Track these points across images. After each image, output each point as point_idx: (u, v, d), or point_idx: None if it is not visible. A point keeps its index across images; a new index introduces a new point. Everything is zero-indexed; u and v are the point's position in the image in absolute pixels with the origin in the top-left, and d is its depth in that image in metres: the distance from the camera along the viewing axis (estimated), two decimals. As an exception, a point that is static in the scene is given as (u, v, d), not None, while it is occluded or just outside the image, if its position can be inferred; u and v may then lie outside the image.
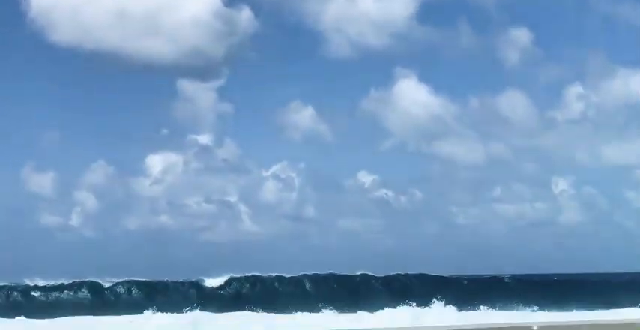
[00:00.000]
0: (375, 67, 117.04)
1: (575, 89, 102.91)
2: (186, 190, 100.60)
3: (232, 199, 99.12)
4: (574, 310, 42.94)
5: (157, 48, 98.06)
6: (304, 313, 42.98)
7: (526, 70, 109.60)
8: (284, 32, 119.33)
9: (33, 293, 49.14)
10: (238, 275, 52.11)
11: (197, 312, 41.62)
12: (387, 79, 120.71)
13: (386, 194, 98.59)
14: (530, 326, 8.54)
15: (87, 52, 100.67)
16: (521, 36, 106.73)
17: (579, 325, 8.78)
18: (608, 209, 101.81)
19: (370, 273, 53.22)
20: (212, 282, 51.59)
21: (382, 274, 53.61)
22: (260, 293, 50.48)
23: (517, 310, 44.44)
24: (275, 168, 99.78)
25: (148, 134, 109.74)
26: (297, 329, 38.30)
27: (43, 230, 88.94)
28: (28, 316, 42.17)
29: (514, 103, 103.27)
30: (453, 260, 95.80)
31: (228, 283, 51.44)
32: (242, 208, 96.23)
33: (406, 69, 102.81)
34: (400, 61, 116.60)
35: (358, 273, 53.23)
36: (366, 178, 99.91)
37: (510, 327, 8.48)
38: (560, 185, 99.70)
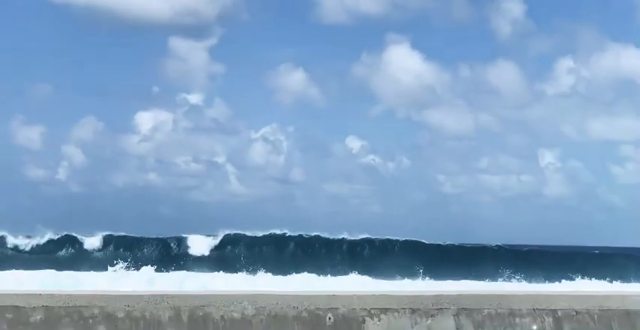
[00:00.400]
0: (368, 33, 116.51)
1: (565, 63, 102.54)
2: (175, 148, 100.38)
3: (220, 159, 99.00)
4: (557, 281, 42.91)
5: (150, 4, 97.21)
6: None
7: (517, 41, 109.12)
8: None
9: (10, 246, 49.08)
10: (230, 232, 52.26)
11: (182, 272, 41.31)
12: (378, 45, 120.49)
13: (373, 160, 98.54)
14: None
15: (80, 6, 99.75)
16: (514, 7, 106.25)
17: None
18: (593, 183, 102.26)
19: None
20: (199, 240, 51.44)
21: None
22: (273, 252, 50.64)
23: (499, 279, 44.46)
24: (264, 130, 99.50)
25: (138, 91, 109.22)
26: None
27: (28, 183, 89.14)
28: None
29: (504, 74, 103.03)
30: (438, 228, 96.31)
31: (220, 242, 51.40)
32: (230, 168, 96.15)
33: (398, 35, 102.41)
34: (393, 27, 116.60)
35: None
36: (354, 144, 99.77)
37: (513, 295, 8.10)
38: (547, 158, 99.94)
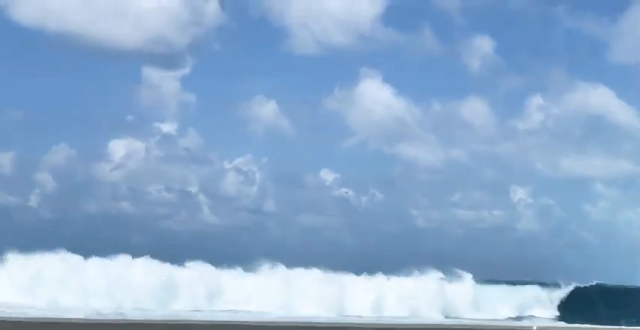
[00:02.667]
0: (340, 65, 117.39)
1: (535, 100, 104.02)
2: (147, 177, 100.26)
3: (193, 189, 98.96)
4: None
5: (122, 33, 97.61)
6: None
7: (488, 77, 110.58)
8: (249, 26, 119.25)
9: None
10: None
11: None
12: (351, 78, 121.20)
13: (346, 193, 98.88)
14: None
15: (52, 33, 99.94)
16: (484, 44, 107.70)
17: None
18: (564, 219, 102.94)
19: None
20: None
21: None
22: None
23: None
24: (237, 160, 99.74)
25: (111, 119, 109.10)
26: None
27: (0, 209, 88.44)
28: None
29: (476, 110, 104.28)
30: (412, 262, 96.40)
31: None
32: (202, 198, 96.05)
33: (371, 69, 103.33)
34: (365, 61, 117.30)
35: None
36: (327, 176, 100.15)
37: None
38: (519, 194, 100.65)
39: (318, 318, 42.71)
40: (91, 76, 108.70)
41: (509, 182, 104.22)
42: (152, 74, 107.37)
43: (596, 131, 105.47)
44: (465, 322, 43.97)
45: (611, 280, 67.59)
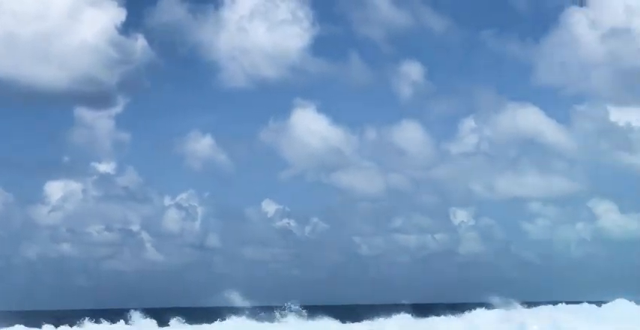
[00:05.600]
0: (272, 97, 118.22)
1: (467, 123, 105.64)
2: (86, 218, 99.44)
3: (134, 227, 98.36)
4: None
5: (50, 75, 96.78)
6: None
7: (420, 102, 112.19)
8: (178, 61, 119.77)
9: None
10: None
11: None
12: (285, 110, 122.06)
13: (289, 224, 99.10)
14: None
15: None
16: (413, 70, 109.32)
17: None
18: (506, 240, 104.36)
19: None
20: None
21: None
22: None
23: None
24: (177, 197, 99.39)
25: (46, 161, 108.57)
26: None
27: None
28: None
29: (410, 135, 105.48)
30: (358, 290, 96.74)
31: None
32: (145, 236, 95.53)
33: (304, 100, 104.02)
34: (297, 92, 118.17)
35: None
36: (269, 208, 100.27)
37: None
38: (459, 216, 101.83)
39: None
40: (23, 120, 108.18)
41: (448, 205, 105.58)
42: (84, 114, 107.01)
43: (529, 151, 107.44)
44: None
45: (554, 297, 68.62)
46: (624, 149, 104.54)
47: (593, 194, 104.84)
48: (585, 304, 51.63)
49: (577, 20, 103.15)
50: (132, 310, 47.03)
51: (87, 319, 47.97)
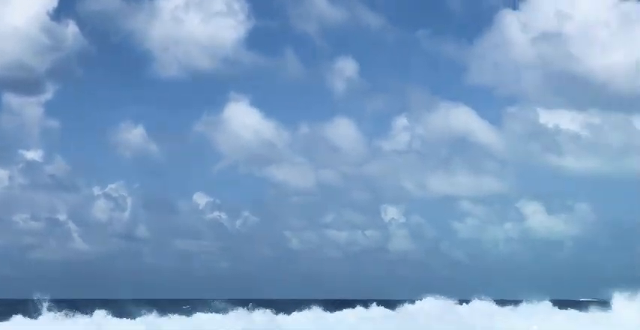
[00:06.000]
0: (206, 90, 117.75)
1: (400, 121, 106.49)
2: (12, 206, 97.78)
3: (61, 217, 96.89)
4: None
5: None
6: None
7: (353, 99, 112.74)
8: (111, 49, 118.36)
9: None
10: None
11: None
12: (218, 102, 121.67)
13: (220, 216, 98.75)
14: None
15: None
16: (347, 66, 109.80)
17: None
18: (436, 238, 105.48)
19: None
20: None
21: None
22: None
23: None
24: (107, 187, 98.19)
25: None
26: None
27: None
28: None
29: (343, 132, 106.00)
30: (286, 284, 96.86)
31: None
32: (72, 226, 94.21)
33: (238, 93, 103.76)
34: (231, 85, 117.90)
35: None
36: (200, 200, 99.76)
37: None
38: (390, 213, 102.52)
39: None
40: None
41: (379, 202, 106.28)
42: (13, 100, 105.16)
43: (461, 150, 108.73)
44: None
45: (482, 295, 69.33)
46: (552, 151, 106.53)
47: (522, 195, 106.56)
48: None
49: (509, 22, 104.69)
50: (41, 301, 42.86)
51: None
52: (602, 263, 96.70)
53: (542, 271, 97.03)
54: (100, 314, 43.19)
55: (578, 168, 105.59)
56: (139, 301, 46.78)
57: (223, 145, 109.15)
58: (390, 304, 51.60)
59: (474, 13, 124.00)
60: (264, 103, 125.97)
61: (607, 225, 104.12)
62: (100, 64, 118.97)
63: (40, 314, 42.36)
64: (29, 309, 43.20)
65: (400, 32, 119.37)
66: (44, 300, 42.40)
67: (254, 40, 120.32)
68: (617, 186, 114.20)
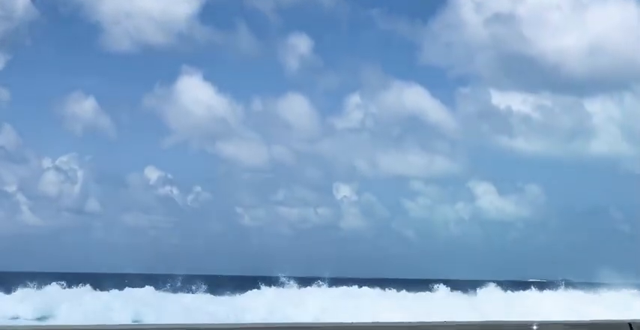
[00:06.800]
0: (158, 63, 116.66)
1: (353, 99, 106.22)
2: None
3: (10, 188, 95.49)
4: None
5: None
6: None
7: (306, 76, 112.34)
8: (61, 21, 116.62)
9: None
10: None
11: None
12: (170, 77, 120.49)
13: (171, 191, 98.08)
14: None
15: None
16: (300, 43, 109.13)
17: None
18: (387, 217, 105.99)
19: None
20: None
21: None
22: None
23: None
24: (56, 159, 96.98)
25: None
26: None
27: None
28: None
29: (296, 109, 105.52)
30: (238, 261, 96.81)
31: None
32: (21, 198, 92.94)
33: (190, 67, 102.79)
34: (184, 59, 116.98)
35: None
36: (151, 175, 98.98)
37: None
38: (342, 191, 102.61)
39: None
40: None
41: (331, 180, 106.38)
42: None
43: (413, 130, 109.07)
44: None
45: (430, 275, 69.82)
46: (504, 133, 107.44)
47: (473, 175, 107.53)
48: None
49: (464, 3, 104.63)
50: None
51: None
52: (552, 245, 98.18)
53: (489, 252, 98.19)
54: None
55: (529, 150, 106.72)
56: (90, 274, 46.58)
57: (175, 120, 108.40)
58: (339, 281, 51.52)
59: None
60: (216, 78, 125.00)
61: (556, 207, 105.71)
62: (50, 35, 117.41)
63: None
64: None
65: (355, 10, 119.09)
66: None
67: (207, 14, 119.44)
68: (568, 168, 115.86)
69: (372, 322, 10.42)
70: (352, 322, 9.68)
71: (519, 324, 9.94)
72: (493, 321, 10.24)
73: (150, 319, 38.05)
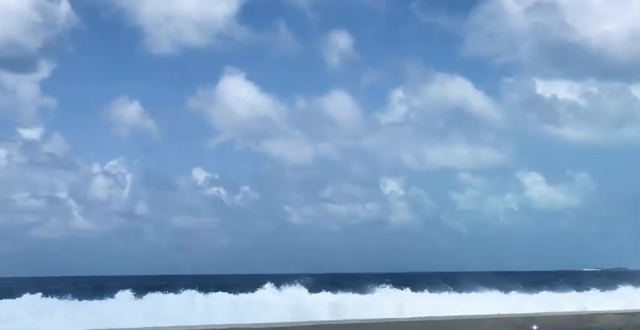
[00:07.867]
0: (200, 65, 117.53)
1: (396, 93, 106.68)
2: (11, 184, 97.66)
3: (61, 195, 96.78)
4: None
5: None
6: None
7: (348, 72, 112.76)
8: (103, 26, 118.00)
9: None
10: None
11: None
12: (213, 78, 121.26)
13: (218, 192, 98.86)
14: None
15: None
16: (341, 40, 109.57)
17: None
18: (435, 210, 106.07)
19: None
20: None
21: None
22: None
23: None
24: (105, 164, 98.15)
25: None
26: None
27: None
28: None
29: (339, 105, 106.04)
30: (290, 259, 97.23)
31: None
32: (72, 204, 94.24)
33: (232, 68, 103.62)
34: (225, 59, 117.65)
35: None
36: (199, 176, 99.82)
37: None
38: (389, 186, 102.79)
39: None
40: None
41: (378, 175, 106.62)
42: (7, 79, 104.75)
43: (458, 122, 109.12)
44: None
45: (482, 267, 69.64)
46: (550, 122, 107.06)
47: (521, 166, 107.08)
48: None
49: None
50: None
51: None
52: (603, 233, 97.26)
53: (541, 241, 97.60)
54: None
55: (576, 137, 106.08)
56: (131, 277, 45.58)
57: (220, 120, 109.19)
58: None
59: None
60: (259, 78, 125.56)
61: (606, 195, 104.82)
62: (93, 41, 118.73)
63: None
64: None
65: (394, 4, 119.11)
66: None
67: (246, 14, 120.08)
68: (616, 156, 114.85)
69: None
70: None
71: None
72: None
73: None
